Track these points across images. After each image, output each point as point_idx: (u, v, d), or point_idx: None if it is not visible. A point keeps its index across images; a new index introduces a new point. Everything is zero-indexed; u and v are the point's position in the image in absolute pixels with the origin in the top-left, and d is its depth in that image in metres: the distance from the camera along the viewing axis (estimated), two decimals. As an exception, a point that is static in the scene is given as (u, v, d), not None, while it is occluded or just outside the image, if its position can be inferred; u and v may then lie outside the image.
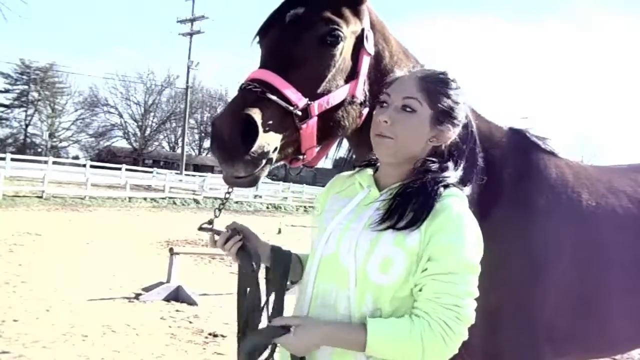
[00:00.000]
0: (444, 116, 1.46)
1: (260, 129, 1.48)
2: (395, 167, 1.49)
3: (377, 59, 1.86)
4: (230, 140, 1.47)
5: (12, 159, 24.19)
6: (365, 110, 1.81)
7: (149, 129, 59.85)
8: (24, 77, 54.64)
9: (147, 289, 7.30)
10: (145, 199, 25.51)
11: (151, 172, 34.18)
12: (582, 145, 55.27)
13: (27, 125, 55.54)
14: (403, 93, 1.45)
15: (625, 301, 2.06)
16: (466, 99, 1.53)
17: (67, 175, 26.93)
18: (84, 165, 30.72)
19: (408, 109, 1.44)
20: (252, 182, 1.56)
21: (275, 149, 1.56)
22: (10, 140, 54.76)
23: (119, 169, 30.67)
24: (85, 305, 6.52)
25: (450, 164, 1.49)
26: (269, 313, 1.51)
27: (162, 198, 26.36)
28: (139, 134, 58.68)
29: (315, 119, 1.63)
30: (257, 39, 1.80)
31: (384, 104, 1.48)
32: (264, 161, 1.53)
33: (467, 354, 1.92)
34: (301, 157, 1.71)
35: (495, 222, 1.89)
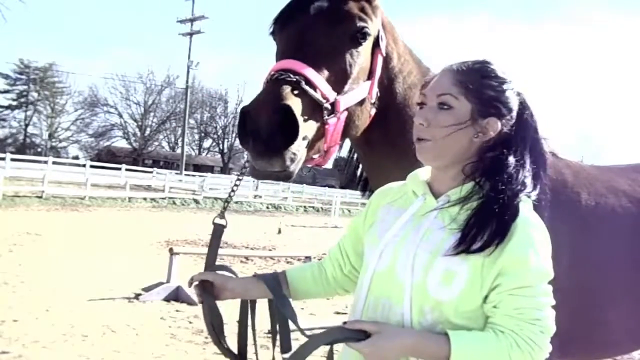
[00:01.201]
0: (487, 107, 1.34)
1: (300, 121, 1.40)
2: (445, 171, 1.39)
3: (386, 60, 1.85)
4: (269, 133, 1.37)
5: (12, 159, 24.18)
6: (373, 111, 1.79)
7: (148, 129, 59.84)
8: (24, 77, 54.73)
9: (147, 289, 7.29)
10: (145, 199, 25.49)
11: (151, 172, 34.17)
12: (582, 145, 55.32)
13: (26, 126, 55.63)
14: (437, 90, 1.36)
15: (626, 301, 2.05)
16: (515, 85, 1.41)
17: (67, 175, 26.91)
18: (84, 165, 30.72)
19: (445, 107, 1.34)
20: (287, 177, 1.46)
21: (308, 143, 1.49)
22: (10, 141, 54.85)
23: (119, 169, 30.67)
24: (85, 305, 6.52)
25: (512, 160, 1.34)
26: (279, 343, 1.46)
27: (162, 198, 26.34)
28: (138, 134, 58.67)
29: (344, 114, 1.59)
30: (272, 29, 1.75)
31: (422, 106, 1.39)
32: (300, 155, 1.44)
33: None
34: (320, 155, 1.63)
35: None
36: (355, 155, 2.14)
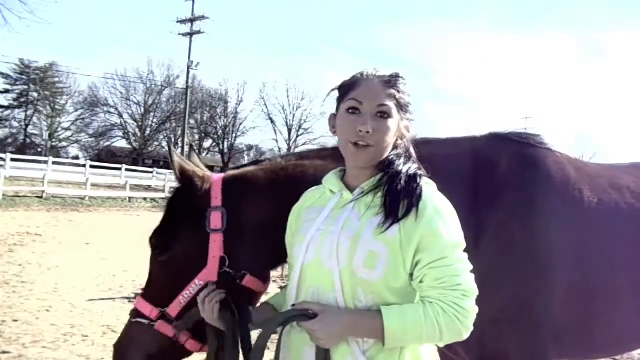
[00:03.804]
0: (405, 115, 1.57)
1: (124, 356, 1.90)
2: (366, 169, 1.54)
3: (243, 222, 1.78)
4: None
5: (12, 159, 24.18)
6: (249, 279, 1.78)
7: (149, 129, 59.80)
8: (24, 77, 54.66)
9: (147, 289, 7.29)
10: (145, 199, 25.53)
11: (151, 172, 34.16)
12: (582, 145, 55.23)
13: (27, 126, 55.58)
14: (377, 100, 1.50)
15: (630, 298, 2.03)
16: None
17: (67, 175, 26.92)
18: (84, 166, 30.72)
19: (385, 116, 1.50)
20: None
21: (148, 357, 1.81)
22: (10, 141, 54.77)
23: (119, 169, 30.67)
24: (85, 305, 6.52)
25: (402, 151, 1.56)
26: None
27: (162, 198, 26.32)
28: (139, 134, 58.65)
29: (175, 319, 1.77)
30: None
31: (356, 111, 1.50)
32: None
33: (473, 356, 1.91)
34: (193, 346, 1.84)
35: (498, 225, 1.89)
36: None
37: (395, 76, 1.56)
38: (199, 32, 47.15)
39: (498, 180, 1.98)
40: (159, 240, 1.85)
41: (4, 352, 4.67)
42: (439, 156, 1.88)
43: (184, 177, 1.82)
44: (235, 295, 1.68)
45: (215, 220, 1.77)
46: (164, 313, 1.78)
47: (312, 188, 1.70)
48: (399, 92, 1.54)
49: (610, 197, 2.07)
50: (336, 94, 1.62)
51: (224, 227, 1.76)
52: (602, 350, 2.19)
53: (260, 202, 1.84)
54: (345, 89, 1.56)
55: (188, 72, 47.61)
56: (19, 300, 6.47)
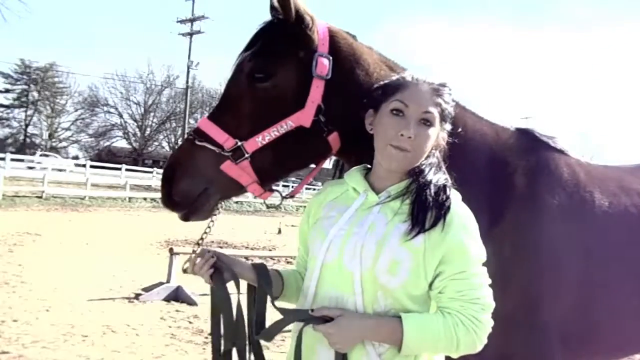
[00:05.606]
0: (445, 125, 1.55)
1: (180, 175, 1.66)
2: (396, 172, 1.52)
3: (344, 80, 1.74)
4: (161, 185, 1.70)
5: (12, 159, 24.17)
6: (334, 135, 1.74)
7: (149, 129, 59.82)
8: (24, 77, 54.71)
9: (147, 289, 7.30)
10: (145, 199, 25.48)
11: (151, 172, 34.17)
12: (582, 145, 55.13)
13: (27, 125, 55.61)
14: (423, 107, 1.47)
15: (637, 301, 2.02)
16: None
17: (67, 175, 26.92)
18: (84, 166, 30.73)
19: (428, 123, 1.48)
20: (186, 217, 1.72)
21: (206, 188, 1.67)
22: (10, 141, 54.78)
23: (119, 169, 30.68)
24: (85, 305, 6.52)
25: (434, 161, 1.55)
26: (253, 329, 1.52)
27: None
28: (139, 134, 58.66)
29: (250, 156, 1.66)
30: None
31: (400, 113, 1.47)
32: (193, 200, 1.67)
33: (479, 358, 1.90)
34: (260, 191, 1.76)
35: (507, 225, 1.88)
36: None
37: (444, 85, 1.54)
38: (199, 32, 47.22)
39: (515, 179, 1.98)
40: (259, 63, 1.67)
41: (4, 352, 4.66)
42: (476, 129, 1.95)
43: (297, 11, 1.67)
44: (316, 147, 1.73)
45: (322, 66, 1.69)
46: (240, 146, 1.64)
47: (334, 182, 1.68)
48: (444, 102, 1.51)
49: (619, 200, 2.08)
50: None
51: (328, 75, 1.70)
52: (613, 351, 2.18)
53: (364, 65, 1.79)
54: (391, 89, 1.52)
55: (188, 72, 47.72)
56: (18, 300, 6.46)
